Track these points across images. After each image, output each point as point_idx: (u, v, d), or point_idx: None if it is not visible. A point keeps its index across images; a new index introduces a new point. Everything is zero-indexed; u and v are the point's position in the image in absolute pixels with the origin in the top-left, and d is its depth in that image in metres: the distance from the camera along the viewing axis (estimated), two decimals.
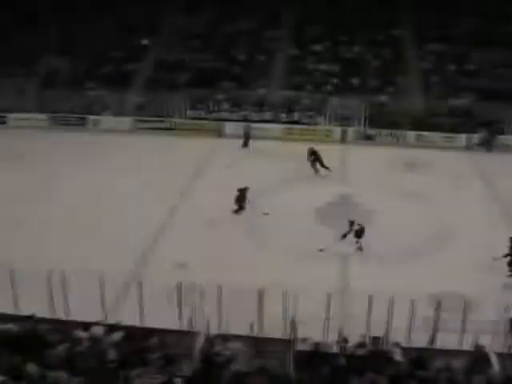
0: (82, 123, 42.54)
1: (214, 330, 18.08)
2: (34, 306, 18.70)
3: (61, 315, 19.79)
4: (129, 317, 18.92)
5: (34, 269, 19.48)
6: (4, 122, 42.93)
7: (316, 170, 33.51)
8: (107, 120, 42.40)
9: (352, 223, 25.73)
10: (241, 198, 28.50)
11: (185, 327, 18.88)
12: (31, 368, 14.30)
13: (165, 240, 26.52)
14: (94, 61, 46.38)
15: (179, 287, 19.39)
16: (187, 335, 18.27)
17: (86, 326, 18.13)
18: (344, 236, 25.66)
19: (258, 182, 31.77)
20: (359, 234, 25.62)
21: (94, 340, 16.80)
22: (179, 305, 19.53)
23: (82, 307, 19.45)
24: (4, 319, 18.53)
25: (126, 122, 42.03)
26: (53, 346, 16.00)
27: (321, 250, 25.20)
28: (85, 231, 26.79)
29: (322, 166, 33.50)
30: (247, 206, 28.70)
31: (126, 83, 44.18)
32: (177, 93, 42.53)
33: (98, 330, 17.37)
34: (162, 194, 30.33)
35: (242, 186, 28.59)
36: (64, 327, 17.94)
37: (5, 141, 39.11)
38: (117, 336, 17.30)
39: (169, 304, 20.52)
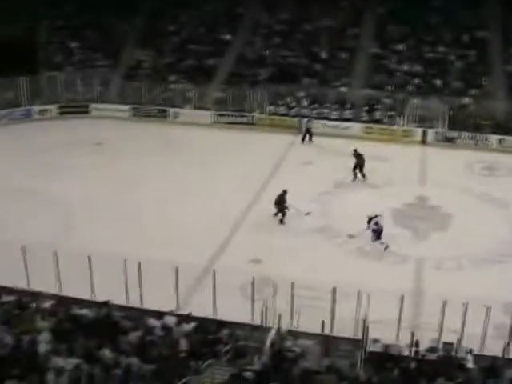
0: (162, 115, 43.14)
1: (285, 326, 18.12)
2: (109, 292, 19.15)
3: (135, 303, 20.13)
4: (201, 308, 19.12)
5: (110, 255, 19.89)
6: (87, 112, 43.89)
7: (354, 175, 32.43)
8: (187, 113, 42.84)
9: (370, 220, 25.50)
10: (280, 200, 27.74)
11: (257, 321, 18.93)
12: (106, 353, 14.60)
13: (241, 234, 26.67)
14: (177, 54, 46.93)
15: (253, 282, 19.48)
16: (259, 329, 18.35)
17: (159, 315, 18.43)
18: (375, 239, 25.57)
19: (335, 180, 31.69)
20: (377, 233, 25.47)
21: (167, 329, 17.05)
22: (252, 299, 19.62)
23: (156, 296, 19.75)
24: (81, 304, 19.01)
25: (206, 115, 42.39)
26: (126, 333, 16.30)
27: (307, 214, 26.11)
28: (162, 222, 27.16)
29: (361, 170, 32.38)
30: (289, 208, 27.76)
31: (208, 77, 44.58)
32: (257, 88, 42.68)
33: (170, 320, 17.63)
34: (239, 188, 30.50)
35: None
36: (138, 315, 18.30)
37: (87, 130, 40.08)
38: (189, 326, 17.52)
39: (242, 298, 20.70)
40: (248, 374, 14.38)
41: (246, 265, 23.44)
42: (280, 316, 18.04)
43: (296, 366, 15.07)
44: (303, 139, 39.01)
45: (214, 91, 43.91)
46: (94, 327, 16.83)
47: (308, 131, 39.21)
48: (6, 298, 18.97)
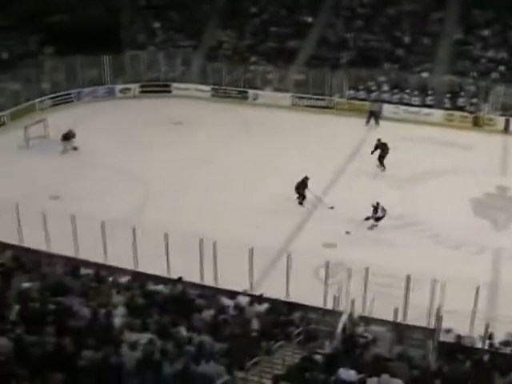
0: (242, 97, 43.31)
1: (357, 312, 18.05)
2: (185, 270, 19.40)
3: (209, 282, 20.35)
4: (274, 290, 19.20)
5: (186, 234, 20.12)
6: (169, 91, 44.41)
7: (381, 164, 31.71)
8: (267, 95, 42.87)
9: (376, 209, 25.26)
10: (301, 185, 27.59)
11: (329, 306, 18.91)
12: (179, 330, 14.80)
13: (316, 217, 26.61)
14: (258, 36, 46.94)
15: (327, 265, 19.45)
16: (331, 314, 18.34)
17: (233, 294, 18.58)
18: (367, 219, 25.40)
19: (417, 167, 31.26)
20: (378, 219, 25.42)
21: (239, 309, 17.18)
22: (326, 283, 19.59)
23: (229, 276, 19.92)
24: (156, 281, 19.32)
25: (286, 98, 42.34)
26: (200, 311, 16.49)
27: (347, 233, 25.21)
28: (238, 202, 27.30)
29: (381, 160, 31.68)
30: (309, 195, 27.71)
31: (288, 60, 44.47)
32: (337, 72, 42.35)
33: (243, 300, 17.76)
34: (316, 171, 30.35)
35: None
36: (212, 294, 18.48)
37: (168, 109, 40.58)
38: (261, 307, 17.62)
39: (315, 281, 20.70)
40: (318, 358, 14.36)
41: (320, 248, 23.44)
42: (353, 301, 17.98)
43: (367, 352, 14.99)
44: (367, 121, 38.76)
45: (294, 74, 43.77)
46: (168, 304, 17.09)
47: (373, 113, 38.96)
48: (85, 271, 19.40)
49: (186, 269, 19.73)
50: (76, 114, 39.49)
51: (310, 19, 47.50)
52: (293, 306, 18.62)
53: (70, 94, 42.62)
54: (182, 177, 29.99)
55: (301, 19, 47.65)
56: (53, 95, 41.82)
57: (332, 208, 27.15)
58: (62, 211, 22.77)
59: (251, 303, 17.54)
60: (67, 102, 42.19)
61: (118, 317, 15.35)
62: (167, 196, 27.87)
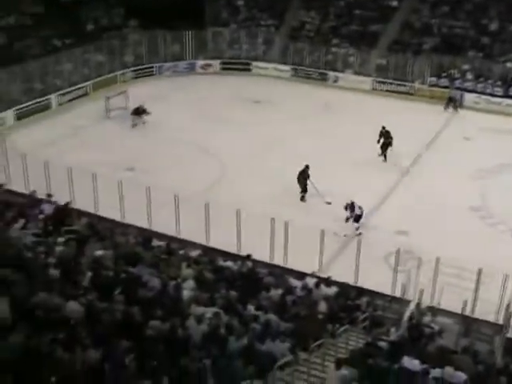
0: (322, 78, 43.09)
1: (425, 302, 17.90)
2: (255, 248, 19.55)
3: (279, 262, 20.47)
4: (343, 274, 19.19)
5: (259, 212, 20.23)
6: (249, 70, 44.50)
7: (382, 153, 30.70)
8: (347, 78, 42.55)
9: (352, 207, 24.04)
10: (300, 176, 26.44)
11: (397, 293, 18.80)
12: (248, 307, 14.94)
13: (391, 204, 26.40)
14: (342, 18, 46.53)
15: (397, 253, 19.31)
16: (398, 301, 18.25)
17: (301, 275, 18.65)
18: (347, 220, 24.10)
19: (493, 159, 30.61)
20: (358, 218, 24.07)
21: (307, 290, 17.23)
22: (395, 270, 19.47)
23: (299, 257, 19.98)
24: (225, 257, 19.54)
25: (366, 81, 41.96)
26: (268, 290, 16.60)
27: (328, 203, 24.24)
28: (311, 184, 27.16)
29: (385, 150, 30.65)
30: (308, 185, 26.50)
31: (371, 43, 43.98)
32: (420, 58, 41.69)
33: (311, 282, 17.80)
34: (392, 159, 30.09)
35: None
36: (280, 273, 18.58)
37: (247, 87, 40.69)
38: (328, 290, 17.63)
39: (385, 268, 20.58)
40: (383, 344, 14.31)
41: (392, 235, 23.24)
42: (422, 291, 17.84)
43: (432, 343, 14.87)
44: (446, 107, 38.24)
45: (376, 58, 43.27)
46: (236, 280, 17.25)
47: (451, 99, 38.41)
48: (156, 243, 19.72)
49: (256, 247, 19.88)
50: (156, 88, 40.01)
51: (394, 3, 46.76)
52: (361, 291, 18.59)
53: (151, 67, 43.20)
54: (257, 155, 30.09)
55: (385, 3, 46.95)
56: (135, 68, 42.47)
57: (329, 203, 25.66)
58: (137, 183, 23.21)
59: (319, 285, 17.57)
60: (148, 76, 42.77)
61: (187, 290, 15.57)
62: (241, 174, 28.02)
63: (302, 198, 26.45)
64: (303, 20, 46.99)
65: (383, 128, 30.82)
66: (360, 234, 23.41)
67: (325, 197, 25.70)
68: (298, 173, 26.33)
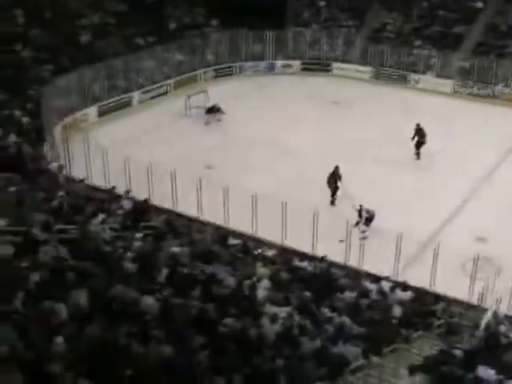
0: (402, 80, 42.59)
1: (503, 311, 17.52)
2: (330, 250, 19.49)
3: (354, 264, 20.36)
4: (418, 279, 18.94)
5: (338, 213, 20.15)
6: (329, 71, 44.36)
7: (417, 151, 30.33)
8: (428, 80, 41.94)
9: (360, 211, 23.31)
10: (331, 177, 25.75)
11: (474, 301, 18.45)
12: (322, 309, 14.92)
13: (469, 210, 25.83)
14: (424, 19, 45.89)
15: (475, 260, 18.96)
16: (475, 309, 17.90)
17: (376, 279, 18.50)
18: (357, 224, 23.10)
19: None
20: (369, 221, 23.27)
21: (382, 294, 17.08)
22: (472, 277, 19.11)
23: (374, 260, 19.83)
24: (301, 257, 19.55)
25: (447, 84, 41.24)
26: (342, 292, 16.53)
27: (341, 241, 21.92)
28: (391, 186, 26.76)
29: (417, 146, 30.22)
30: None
31: (453, 45, 43.24)
32: (504, 61, 40.74)
33: (386, 285, 17.64)
34: (468, 164, 29.51)
35: None
36: (355, 276, 18.49)
37: (327, 88, 40.52)
38: (403, 294, 17.43)
39: (462, 275, 20.22)
40: (458, 352, 14.08)
41: (470, 242, 22.75)
42: (499, 299, 17.47)
43: (509, 353, 14.54)
44: None
45: (459, 60, 42.51)
46: (311, 281, 17.23)
47: None
48: (233, 241, 19.86)
49: (332, 248, 19.83)
50: (236, 87, 40.30)
51: (479, 4, 45.88)
52: (436, 297, 18.32)
53: (231, 66, 43.47)
54: (334, 156, 29.90)
55: (469, 4, 46.08)
56: (215, 67, 42.80)
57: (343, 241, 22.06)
58: (215, 180, 23.41)
59: (394, 289, 17.39)
60: (229, 75, 43.07)
61: (262, 289, 15.63)
62: (318, 173, 27.84)
63: (332, 203, 25.86)
64: (384, 21, 46.52)
65: (417, 125, 30.45)
66: (364, 238, 22.59)
67: (353, 200, 24.48)
68: (328, 176, 25.77)
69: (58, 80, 32.16)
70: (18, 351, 10.23)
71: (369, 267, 19.96)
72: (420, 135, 30.31)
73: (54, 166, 25.27)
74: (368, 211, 23.53)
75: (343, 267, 19.85)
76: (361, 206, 23.66)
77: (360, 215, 23.52)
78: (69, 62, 35.47)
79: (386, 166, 28.67)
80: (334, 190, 25.74)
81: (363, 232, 23.14)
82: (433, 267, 19.41)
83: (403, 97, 39.34)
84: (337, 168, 25.85)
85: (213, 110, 34.56)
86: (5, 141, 26.79)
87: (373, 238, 19.77)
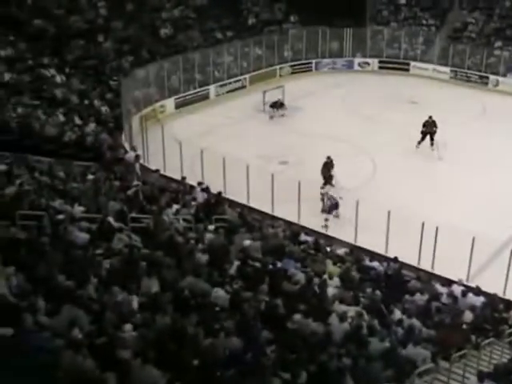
0: (482, 82, 41.73)
1: None
2: (402, 251, 19.28)
3: (426, 266, 20.08)
4: (491, 284, 18.56)
5: (408, 214, 19.86)
6: (407, 70, 43.78)
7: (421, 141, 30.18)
8: (509, 82, 40.92)
9: (323, 198, 23.36)
10: (324, 169, 25.49)
11: None
12: (390, 309, 14.80)
13: None
14: (507, 20, 44.84)
15: None
16: None
17: (448, 282, 18.22)
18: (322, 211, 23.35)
19: None
20: (331, 208, 23.34)
21: (453, 298, 16.81)
22: None
23: (447, 263, 19.52)
24: (372, 257, 19.40)
25: None
26: (413, 294, 16.34)
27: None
28: (467, 190, 26.32)
29: (431, 138, 29.99)
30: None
31: None
32: None
33: (457, 290, 17.34)
34: None
35: None
36: (427, 278, 18.24)
37: (405, 87, 39.97)
38: (475, 300, 17.11)
39: None
40: None
41: None
42: None
43: None
44: None
45: None
46: (382, 281, 17.10)
47: None
48: (304, 238, 19.85)
49: (404, 249, 19.60)
50: (313, 83, 40.17)
51: None
52: (508, 304, 17.93)
53: (309, 63, 43.38)
54: (410, 157, 29.58)
55: None
56: (292, 63, 42.76)
57: (341, 198, 24.01)
58: (289, 176, 23.41)
59: (466, 294, 17.09)
60: (305, 71, 43.00)
61: (332, 287, 15.58)
62: (392, 174, 27.57)
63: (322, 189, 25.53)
64: (466, 21, 45.64)
65: (429, 117, 30.21)
66: (326, 226, 22.71)
67: (339, 192, 24.48)
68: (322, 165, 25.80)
69: (138, 71, 32.69)
70: (90, 336, 10.48)
71: (441, 270, 19.65)
72: (430, 126, 30.23)
73: (131, 155, 25.68)
74: (331, 198, 23.79)
75: (414, 268, 19.59)
76: (325, 193, 23.99)
77: (323, 202, 23.82)
78: (148, 55, 36.05)
79: (462, 167, 28.16)
80: (326, 179, 25.52)
81: (326, 220, 23.09)
82: (507, 273, 18.99)
83: (482, 99, 38.47)
84: (328, 158, 25.92)
85: (276, 105, 34.60)
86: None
87: (445, 240, 19.39)
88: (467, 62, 42.21)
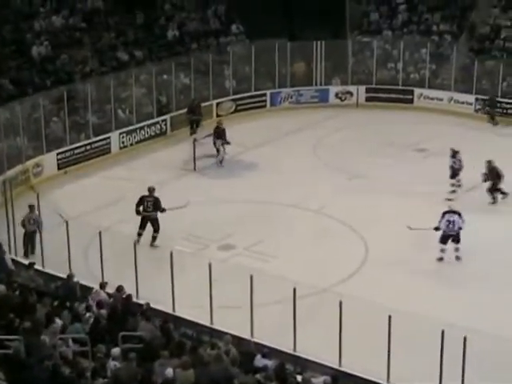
0: None
1: None
2: None
3: None
4: None
5: None
6: (410, 101, 44.34)
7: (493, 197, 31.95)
8: None
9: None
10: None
11: None
12: None
13: None
14: None
15: None
16: None
17: None
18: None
19: None
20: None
21: None
22: None
23: None
24: None
25: None
26: None
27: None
28: None
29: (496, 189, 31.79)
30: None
31: None
32: None
33: None
34: None
35: None
36: None
37: (406, 127, 40.84)
38: None
39: None
40: None
41: None
42: None
43: None
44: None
45: None
46: None
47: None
48: (263, 362, 19.64)
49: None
50: (267, 126, 41.06)
51: None
52: None
53: (262, 95, 44.28)
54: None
55: None
56: (237, 96, 43.22)
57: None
58: (237, 266, 23.47)
59: None
60: (257, 108, 43.85)
61: None
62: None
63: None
64: (498, 23, 46.19)
65: (488, 163, 31.51)
66: None
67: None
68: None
69: None
70: None
71: None
72: (492, 175, 31.54)
73: None
74: None
75: None
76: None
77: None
78: (13, 87, 35.98)
79: None
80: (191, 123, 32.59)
81: None
82: None
83: None
84: (194, 100, 33.57)
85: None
86: None
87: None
88: (500, 86, 42.82)
